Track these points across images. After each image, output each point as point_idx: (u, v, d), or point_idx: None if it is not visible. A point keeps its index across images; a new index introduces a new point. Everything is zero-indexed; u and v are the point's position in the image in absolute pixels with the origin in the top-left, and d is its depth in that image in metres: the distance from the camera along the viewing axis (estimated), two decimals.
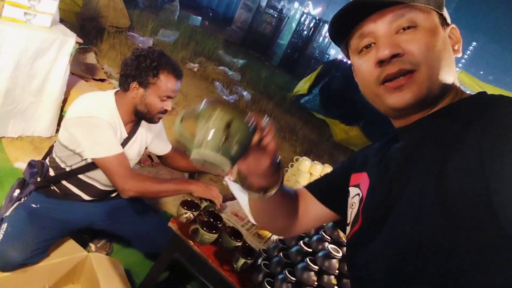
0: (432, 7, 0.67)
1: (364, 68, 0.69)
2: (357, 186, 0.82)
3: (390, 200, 0.66)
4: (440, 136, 0.62)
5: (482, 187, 0.50)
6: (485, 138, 0.52)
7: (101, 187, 1.76)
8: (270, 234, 1.84)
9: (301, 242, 1.52)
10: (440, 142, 0.61)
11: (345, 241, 0.80)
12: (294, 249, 1.50)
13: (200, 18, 15.72)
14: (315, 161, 2.28)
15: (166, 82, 1.63)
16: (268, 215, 0.91)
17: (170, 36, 8.37)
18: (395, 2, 0.65)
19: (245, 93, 6.87)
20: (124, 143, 1.72)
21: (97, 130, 1.57)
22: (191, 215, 1.57)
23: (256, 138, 0.63)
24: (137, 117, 1.72)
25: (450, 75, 0.67)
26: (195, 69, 7.03)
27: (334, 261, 1.35)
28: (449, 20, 0.71)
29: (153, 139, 1.93)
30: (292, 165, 2.34)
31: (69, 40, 2.58)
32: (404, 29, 0.65)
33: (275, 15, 15.22)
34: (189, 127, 0.64)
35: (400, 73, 0.64)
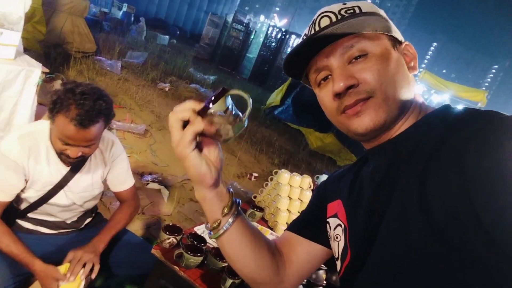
0: (380, 32, 0.69)
1: (325, 100, 0.71)
2: (335, 216, 0.81)
3: (372, 225, 0.66)
4: (413, 155, 0.62)
5: (467, 205, 0.51)
6: (466, 156, 0.53)
7: (53, 219, 1.64)
8: None
9: None
10: (414, 162, 0.61)
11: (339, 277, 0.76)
12: None
13: (167, 37, 15.74)
14: (294, 173, 2.30)
15: (61, 127, 1.34)
16: (241, 257, 0.80)
17: (139, 57, 8.32)
18: (343, 34, 0.66)
19: None
20: (64, 179, 1.54)
21: None
22: (174, 240, 1.55)
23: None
24: None
25: (408, 94, 0.68)
26: (167, 89, 6.99)
27: (321, 272, 1.37)
28: (401, 38, 0.72)
29: (111, 167, 1.69)
30: (271, 179, 2.35)
31: (35, 70, 2.53)
32: (356, 58, 0.67)
33: (242, 30, 15.41)
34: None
35: (357, 103, 0.66)
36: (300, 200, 2.26)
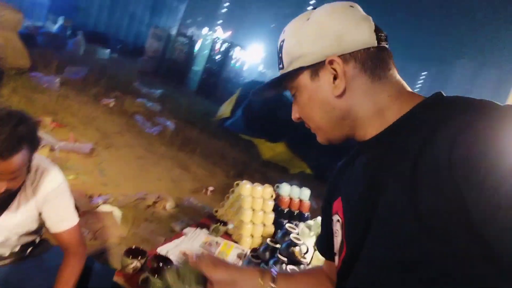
0: (295, 67, 0.75)
1: None
2: (336, 213, 0.81)
3: (364, 220, 0.66)
4: (404, 149, 0.62)
5: (458, 202, 0.51)
6: (456, 151, 0.52)
7: None
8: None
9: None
10: (405, 156, 0.60)
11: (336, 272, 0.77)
12: None
13: (108, 50, 15.13)
14: (255, 183, 2.28)
15: None
16: None
17: (78, 72, 7.91)
18: (278, 79, 0.79)
19: (168, 122, 6.71)
20: None
21: None
22: (138, 264, 1.46)
23: None
24: None
25: (335, 113, 0.74)
26: (111, 105, 6.69)
27: None
28: (322, 58, 0.72)
29: (45, 201, 1.44)
30: (232, 191, 2.31)
31: None
32: (293, 95, 0.79)
33: (187, 43, 15.28)
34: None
35: None
36: (263, 210, 2.24)
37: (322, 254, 0.96)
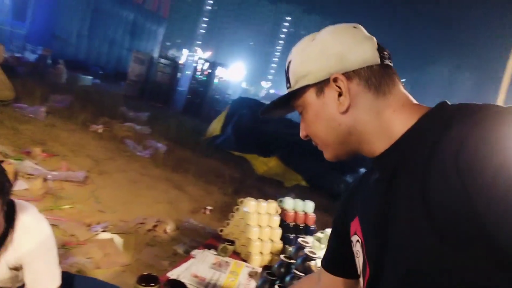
0: (302, 85, 0.77)
1: None
2: (355, 233, 0.81)
3: (383, 238, 0.66)
4: (413, 161, 0.63)
5: (469, 209, 0.51)
6: (463, 156, 0.53)
7: None
8: (237, 286, 1.75)
9: (276, 286, 1.47)
10: (414, 168, 0.61)
11: None
12: None
13: (90, 77, 15.05)
14: (259, 199, 2.27)
15: None
16: None
17: (63, 100, 7.83)
18: (285, 97, 0.81)
19: (159, 145, 6.65)
20: None
21: None
22: None
23: None
24: None
25: (342, 129, 0.74)
26: (100, 130, 6.61)
27: None
28: (326, 76, 0.74)
29: (25, 264, 1.29)
30: (237, 209, 2.29)
31: None
32: (300, 113, 0.81)
33: (169, 64, 15.33)
34: None
35: None
36: (269, 226, 2.22)
37: (327, 271, 0.95)
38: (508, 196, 0.46)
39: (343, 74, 0.72)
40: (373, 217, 0.70)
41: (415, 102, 0.73)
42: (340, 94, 0.72)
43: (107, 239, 2.96)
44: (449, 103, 0.68)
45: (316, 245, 2.08)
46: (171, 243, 3.29)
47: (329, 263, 0.95)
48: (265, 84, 42.15)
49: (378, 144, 0.71)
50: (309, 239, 2.31)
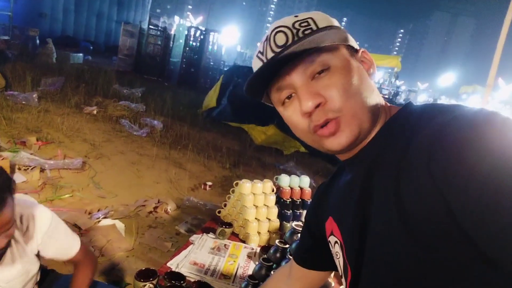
0: (338, 43, 0.68)
1: (294, 119, 0.70)
2: (331, 234, 0.80)
3: (360, 239, 0.66)
4: (385, 161, 0.62)
5: (444, 210, 0.50)
6: (434, 157, 0.52)
7: None
8: (235, 271, 1.78)
9: (272, 272, 1.49)
10: (387, 169, 0.61)
11: None
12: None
13: (81, 54, 14.77)
14: (255, 180, 2.27)
15: None
16: None
17: (55, 83, 7.71)
18: (303, 50, 0.64)
19: (155, 122, 6.61)
20: None
21: None
22: (151, 285, 1.46)
23: None
24: None
25: (374, 102, 0.68)
26: (95, 112, 6.55)
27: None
28: (357, 47, 0.72)
29: (43, 241, 1.42)
30: (233, 191, 2.29)
31: None
32: (319, 73, 0.65)
33: (160, 35, 14.95)
34: None
35: (327, 121, 0.65)
36: (266, 206, 2.24)
37: (300, 264, 0.96)
38: (483, 196, 0.46)
39: None
40: (351, 219, 0.69)
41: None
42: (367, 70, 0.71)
43: (109, 225, 3.00)
44: (415, 104, 0.68)
45: None
46: (173, 223, 3.34)
47: (301, 258, 0.96)
48: None
49: (363, 139, 0.70)
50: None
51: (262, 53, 0.70)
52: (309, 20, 0.67)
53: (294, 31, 0.67)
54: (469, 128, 0.51)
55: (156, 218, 3.39)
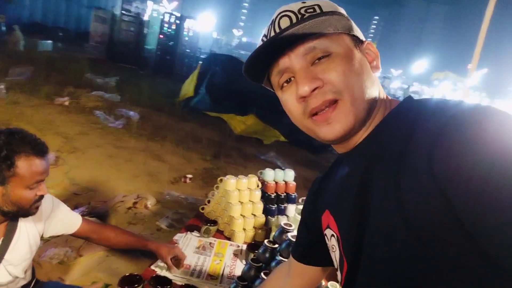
0: (342, 31, 0.67)
1: (289, 103, 0.70)
2: (328, 227, 0.80)
3: (359, 233, 0.65)
4: (385, 156, 0.62)
5: (445, 208, 0.50)
6: (435, 155, 0.52)
7: None
8: (222, 271, 1.74)
9: (262, 273, 1.46)
10: (387, 163, 0.61)
11: None
12: (257, 282, 1.45)
13: (50, 42, 14.12)
14: (240, 176, 2.22)
15: (28, 168, 1.28)
16: None
17: (24, 72, 7.35)
18: (304, 34, 0.64)
19: (131, 113, 6.42)
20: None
21: None
22: None
23: None
24: (8, 216, 1.38)
25: (374, 94, 0.68)
26: (67, 103, 6.29)
27: None
28: (362, 38, 0.71)
29: (46, 223, 1.55)
30: (217, 187, 2.24)
31: None
32: (319, 59, 0.65)
33: (134, 21, 14.46)
34: None
35: (325, 105, 0.64)
36: (251, 202, 2.20)
37: (299, 261, 0.96)
38: (484, 193, 0.47)
39: None
40: (348, 213, 0.69)
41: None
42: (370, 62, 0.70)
43: None
44: (415, 98, 0.68)
45: (298, 218, 2.08)
46: (153, 219, 3.26)
47: (300, 254, 0.96)
48: (236, 32, 40.81)
49: (357, 137, 0.69)
50: (292, 207, 2.31)
51: (266, 36, 0.70)
52: (316, 7, 0.67)
53: (299, 16, 0.66)
54: (469, 125, 0.51)
55: (136, 214, 3.30)
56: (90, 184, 3.61)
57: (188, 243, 1.94)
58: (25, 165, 1.27)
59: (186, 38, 14.26)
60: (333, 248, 0.78)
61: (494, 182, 0.46)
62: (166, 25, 14.02)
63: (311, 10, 0.66)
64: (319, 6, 0.67)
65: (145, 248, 1.73)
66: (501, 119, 0.51)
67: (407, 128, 0.59)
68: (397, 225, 0.56)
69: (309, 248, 0.94)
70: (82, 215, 2.94)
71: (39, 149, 1.32)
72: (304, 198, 2.31)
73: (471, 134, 0.50)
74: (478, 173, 0.47)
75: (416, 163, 0.55)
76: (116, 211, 3.23)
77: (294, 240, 1.58)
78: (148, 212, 3.37)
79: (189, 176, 4.31)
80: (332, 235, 0.77)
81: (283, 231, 1.73)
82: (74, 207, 3.10)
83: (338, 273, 0.77)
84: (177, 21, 14.04)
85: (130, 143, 5.09)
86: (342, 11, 0.70)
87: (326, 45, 0.65)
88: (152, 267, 1.69)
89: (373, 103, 0.67)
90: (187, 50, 14.67)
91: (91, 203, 3.25)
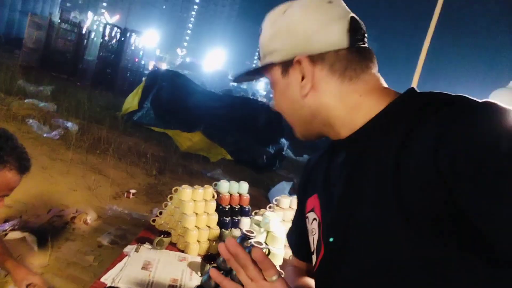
0: (267, 62, 0.76)
1: None
2: (312, 210, 0.80)
3: (346, 219, 0.66)
4: (382, 149, 0.62)
5: (449, 199, 0.51)
6: (441, 152, 0.52)
7: None
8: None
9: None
10: (384, 156, 0.61)
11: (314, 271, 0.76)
12: None
13: None
14: (196, 186, 2.17)
15: (4, 181, 1.23)
16: None
17: None
18: (253, 72, 0.82)
19: (69, 124, 6.01)
20: None
21: None
22: None
23: None
24: None
25: (303, 114, 0.74)
26: None
27: None
28: (289, 57, 0.72)
29: None
30: (171, 198, 2.17)
31: None
32: (271, 86, 0.80)
33: (74, 30, 13.78)
34: None
35: None
36: (206, 213, 2.15)
37: (295, 254, 0.96)
38: (492, 190, 0.48)
39: (308, 56, 0.69)
40: (337, 200, 0.69)
41: (385, 86, 0.72)
42: (303, 78, 0.71)
43: (18, 238, 2.62)
44: (418, 91, 0.67)
45: (256, 229, 2.08)
46: (94, 235, 3.04)
47: (296, 245, 0.97)
48: (180, 52, 40.64)
49: (344, 129, 0.70)
50: (246, 220, 2.30)
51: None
52: (259, 50, 0.80)
53: (258, 50, 0.82)
54: (477, 121, 0.53)
55: (74, 229, 3.06)
56: (22, 197, 3.28)
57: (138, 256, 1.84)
58: (3, 176, 1.22)
59: (129, 52, 13.86)
60: (312, 232, 0.78)
61: (504, 178, 0.47)
62: (107, 37, 13.54)
63: (257, 54, 0.81)
64: (259, 35, 0.78)
65: (1, 265, 1.47)
66: (508, 115, 0.52)
67: (411, 121, 0.59)
68: (393, 216, 0.57)
69: (299, 238, 0.90)
70: (13, 229, 2.70)
71: (23, 166, 1.29)
72: (257, 211, 2.33)
73: (480, 132, 0.51)
74: (488, 167, 0.48)
75: (420, 156, 0.55)
76: (52, 226, 2.97)
77: (256, 245, 1.58)
78: (88, 228, 3.14)
79: (133, 191, 4.12)
80: (314, 219, 0.78)
81: (245, 238, 1.71)
82: (4, 221, 2.80)
83: (314, 256, 0.77)
84: (121, 35, 13.64)
85: (67, 155, 4.75)
86: (268, 33, 0.75)
87: (267, 77, 0.80)
88: (102, 279, 1.57)
89: (311, 119, 0.74)
90: (129, 65, 14.24)
91: (23, 217, 2.96)
